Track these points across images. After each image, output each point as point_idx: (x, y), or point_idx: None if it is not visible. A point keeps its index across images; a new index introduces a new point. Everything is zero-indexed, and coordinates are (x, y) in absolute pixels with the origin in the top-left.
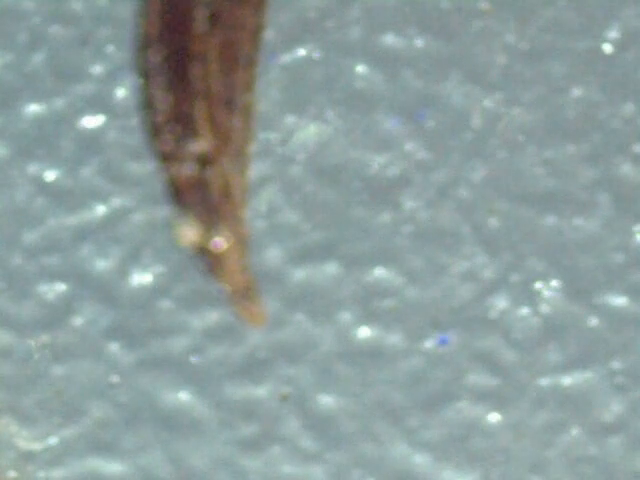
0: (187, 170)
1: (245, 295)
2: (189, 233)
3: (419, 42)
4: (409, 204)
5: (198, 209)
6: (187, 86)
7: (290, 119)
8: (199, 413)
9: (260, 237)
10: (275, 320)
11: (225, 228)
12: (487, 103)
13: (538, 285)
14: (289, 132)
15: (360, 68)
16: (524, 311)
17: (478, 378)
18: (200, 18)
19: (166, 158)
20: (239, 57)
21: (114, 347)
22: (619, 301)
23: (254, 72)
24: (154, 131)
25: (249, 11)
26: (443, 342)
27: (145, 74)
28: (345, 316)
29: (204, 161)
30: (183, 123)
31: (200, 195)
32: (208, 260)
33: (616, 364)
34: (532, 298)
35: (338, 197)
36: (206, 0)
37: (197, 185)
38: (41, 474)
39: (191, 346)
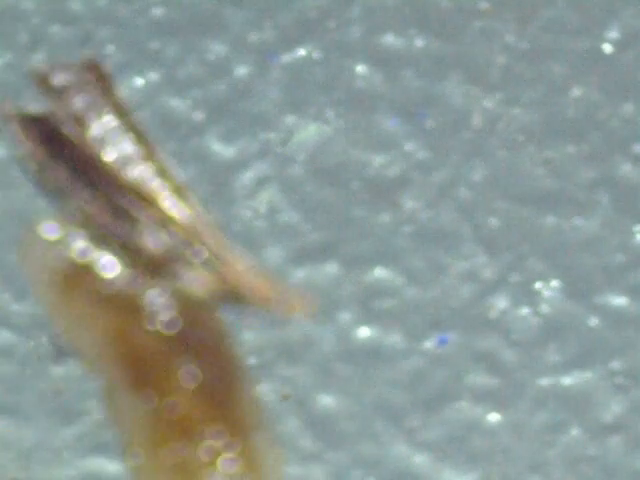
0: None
1: (280, 295)
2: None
3: (419, 42)
4: (409, 204)
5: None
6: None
7: (290, 119)
8: None
9: (260, 237)
10: (275, 320)
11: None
12: (487, 103)
13: (538, 285)
14: (289, 132)
15: (360, 68)
16: (524, 311)
17: (478, 378)
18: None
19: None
20: None
21: None
22: (619, 301)
23: None
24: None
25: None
26: (443, 342)
27: None
28: (345, 316)
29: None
30: None
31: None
32: (229, 297)
33: (616, 364)
34: (532, 298)
35: (338, 197)
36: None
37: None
38: (41, 474)
39: None
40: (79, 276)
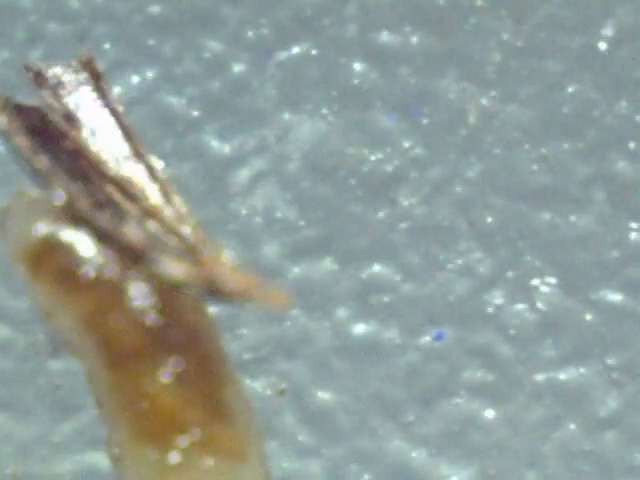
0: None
1: (256, 288)
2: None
3: (415, 39)
4: (405, 200)
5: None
6: None
7: (286, 116)
8: None
9: (256, 233)
10: (272, 316)
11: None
12: (483, 100)
13: (534, 281)
14: (285, 129)
15: (356, 65)
16: (520, 307)
17: (474, 373)
18: None
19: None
20: None
21: None
22: (614, 297)
23: None
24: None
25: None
26: (439, 337)
27: None
28: (341, 311)
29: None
30: None
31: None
32: (204, 287)
33: (612, 359)
34: (528, 294)
35: (334, 193)
36: None
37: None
38: (39, 469)
39: None
40: (52, 254)
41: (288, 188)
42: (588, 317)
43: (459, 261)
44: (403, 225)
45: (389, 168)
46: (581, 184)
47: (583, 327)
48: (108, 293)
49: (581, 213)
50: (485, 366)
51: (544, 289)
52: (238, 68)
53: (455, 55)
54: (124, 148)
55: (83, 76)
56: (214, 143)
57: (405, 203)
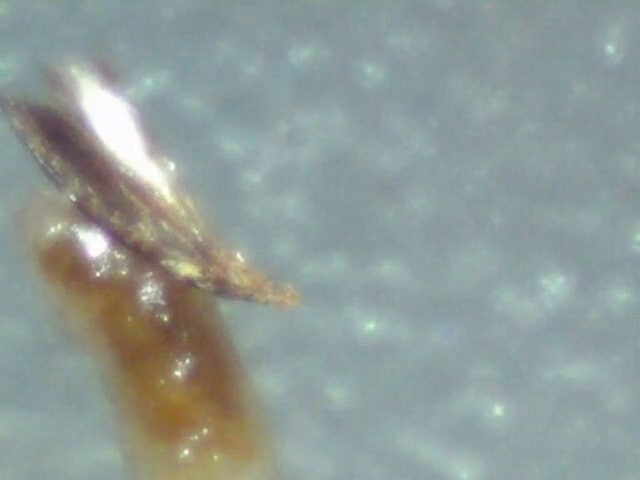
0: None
1: (266, 286)
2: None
3: (425, 40)
4: (415, 199)
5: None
6: None
7: (298, 117)
8: None
9: (268, 233)
10: (282, 314)
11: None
12: (492, 100)
13: (543, 279)
14: (297, 129)
15: (367, 66)
16: (529, 304)
17: (483, 370)
18: None
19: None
20: None
21: None
22: (623, 295)
23: None
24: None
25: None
26: (449, 335)
27: None
28: (352, 309)
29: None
30: None
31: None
32: (216, 286)
33: (620, 356)
34: (537, 291)
35: (345, 193)
36: None
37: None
38: (51, 466)
39: None
40: (66, 254)
41: (300, 188)
42: (596, 315)
43: (468, 259)
44: (413, 224)
45: (399, 168)
46: (590, 183)
47: (591, 324)
48: (120, 292)
49: (589, 212)
50: (494, 363)
51: (552, 287)
52: (251, 69)
53: (464, 56)
54: (137, 149)
55: (98, 77)
56: (227, 144)
57: (415, 202)
